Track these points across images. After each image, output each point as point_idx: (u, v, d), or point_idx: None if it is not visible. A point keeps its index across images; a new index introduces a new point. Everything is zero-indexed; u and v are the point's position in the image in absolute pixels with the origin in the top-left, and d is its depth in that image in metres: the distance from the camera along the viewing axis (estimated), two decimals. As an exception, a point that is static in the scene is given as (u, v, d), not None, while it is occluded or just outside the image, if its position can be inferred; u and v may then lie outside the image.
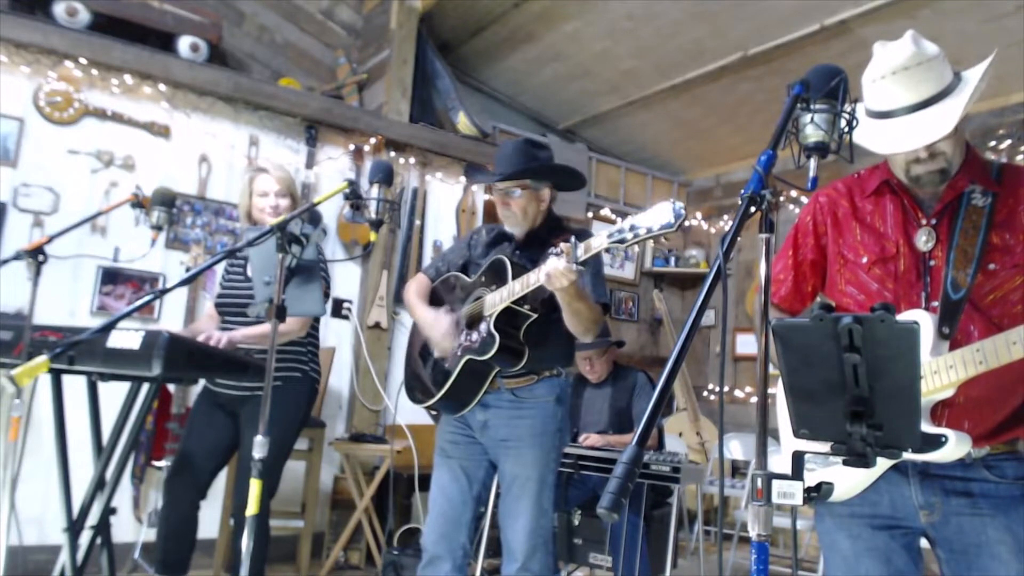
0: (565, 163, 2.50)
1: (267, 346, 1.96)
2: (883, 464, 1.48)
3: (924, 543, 1.57)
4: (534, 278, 2.03)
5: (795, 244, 1.73)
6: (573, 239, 1.90)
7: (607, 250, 1.88)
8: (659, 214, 1.74)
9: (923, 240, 1.53)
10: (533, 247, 2.31)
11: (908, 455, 1.41)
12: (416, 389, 2.44)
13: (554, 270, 1.91)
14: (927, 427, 1.39)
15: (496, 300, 2.17)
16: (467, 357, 2.20)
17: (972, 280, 1.46)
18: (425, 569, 2.30)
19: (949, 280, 1.47)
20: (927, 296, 1.51)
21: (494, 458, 2.31)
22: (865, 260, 1.59)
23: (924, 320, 1.45)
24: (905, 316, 1.48)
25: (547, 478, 2.26)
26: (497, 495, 3.50)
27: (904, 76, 1.43)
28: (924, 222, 1.55)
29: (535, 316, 2.17)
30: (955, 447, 1.36)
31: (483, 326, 2.18)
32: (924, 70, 1.42)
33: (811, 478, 1.52)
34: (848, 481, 1.53)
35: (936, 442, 1.36)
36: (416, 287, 2.50)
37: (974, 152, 1.57)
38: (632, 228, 1.78)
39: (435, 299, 2.47)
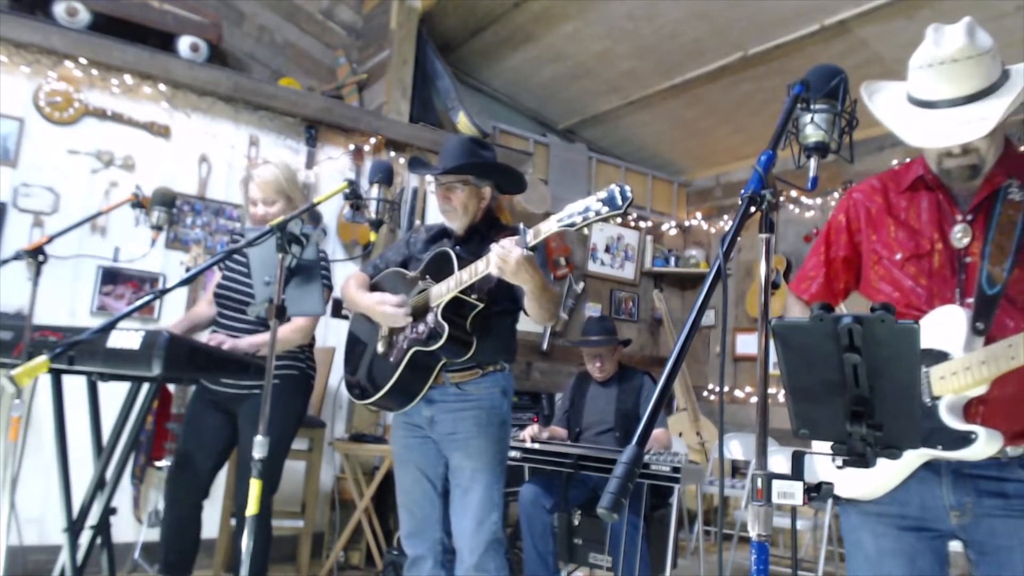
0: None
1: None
2: (914, 462, 1.45)
3: (955, 546, 1.52)
4: (483, 266, 2.01)
5: (827, 241, 1.70)
6: (522, 225, 1.91)
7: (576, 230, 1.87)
8: (613, 199, 1.77)
9: (958, 236, 1.49)
10: (472, 243, 2.30)
11: (940, 453, 1.38)
12: (359, 386, 2.39)
13: (506, 255, 1.89)
14: (958, 424, 1.36)
15: (443, 290, 2.15)
16: (414, 349, 2.17)
17: (1008, 275, 1.42)
18: (410, 570, 2.33)
19: (984, 275, 1.43)
20: (961, 292, 1.47)
21: (444, 453, 2.29)
22: (899, 257, 1.56)
23: (958, 316, 1.43)
24: (939, 312, 1.46)
25: (495, 470, 2.23)
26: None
27: (951, 68, 1.37)
28: (959, 218, 1.51)
29: (482, 306, 2.16)
30: (985, 444, 1.33)
31: (430, 316, 2.16)
32: (973, 64, 1.37)
33: (841, 478, 1.49)
34: (877, 479, 1.49)
35: (966, 439, 1.34)
36: (355, 283, 2.46)
37: (1012, 147, 1.52)
38: (582, 212, 1.80)
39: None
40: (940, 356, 1.40)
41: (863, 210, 1.65)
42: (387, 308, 2.24)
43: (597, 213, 1.77)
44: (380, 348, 2.34)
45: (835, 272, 1.69)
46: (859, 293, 1.69)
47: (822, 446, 1.17)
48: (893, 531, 1.50)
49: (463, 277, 2.09)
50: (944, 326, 1.43)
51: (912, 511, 1.49)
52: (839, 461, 1.46)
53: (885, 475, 1.48)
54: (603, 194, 1.78)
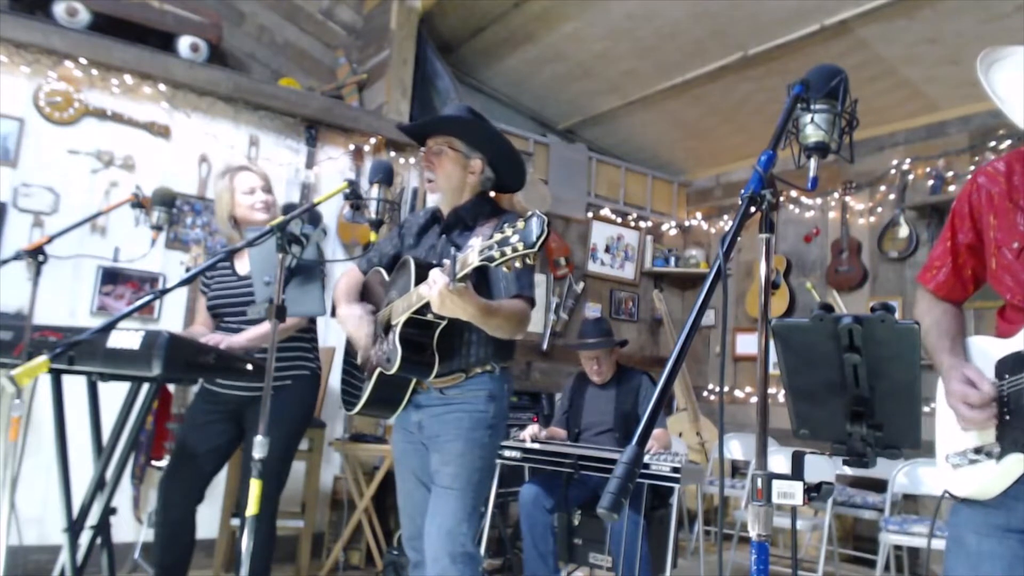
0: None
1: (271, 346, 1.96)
2: (1016, 466, 1.36)
3: None
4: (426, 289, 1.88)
5: (952, 228, 1.61)
6: (453, 252, 1.77)
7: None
8: (528, 234, 1.62)
9: None
10: (457, 228, 2.19)
11: None
12: (347, 396, 2.33)
13: (430, 285, 1.79)
14: None
15: (401, 309, 2.02)
16: (378, 370, 2.09)
17: None
18: (412, 572, 2.30)
19: None
20: None
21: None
22: (1016, 245, 1.45)
23: None
24: None
25: (473, 476, 2.09)
26: (497, 496, 3.52)
27: None
28: None
29: (444, 323, 2.02)
30: None
31: (391, 336, 2.03)
32: None
33: (955, 477, 1.46)
34: (984, 479, 1.43)
35: None
36: (346, 283, 2.34)
37: None
38: (501, 245, 1.65)
39: (370, 295, 2.34)
40: None
41: (985, 194, 1.54)
42: (353, 330, 2.19)
43: (514, 250, 1.62)
44: (359, 358, 2.27)
45: (962, 260, 1.60)
46: (988, 283, 1.60)
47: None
48: (999, 532, 1.43)
49: (412, 300, 1.97)
50: None
51: (1018, 515, 1.41)
52: (955, 460, 1.39)
53: (990, 476, 1.42)
54: (521, 225, 1.61)
